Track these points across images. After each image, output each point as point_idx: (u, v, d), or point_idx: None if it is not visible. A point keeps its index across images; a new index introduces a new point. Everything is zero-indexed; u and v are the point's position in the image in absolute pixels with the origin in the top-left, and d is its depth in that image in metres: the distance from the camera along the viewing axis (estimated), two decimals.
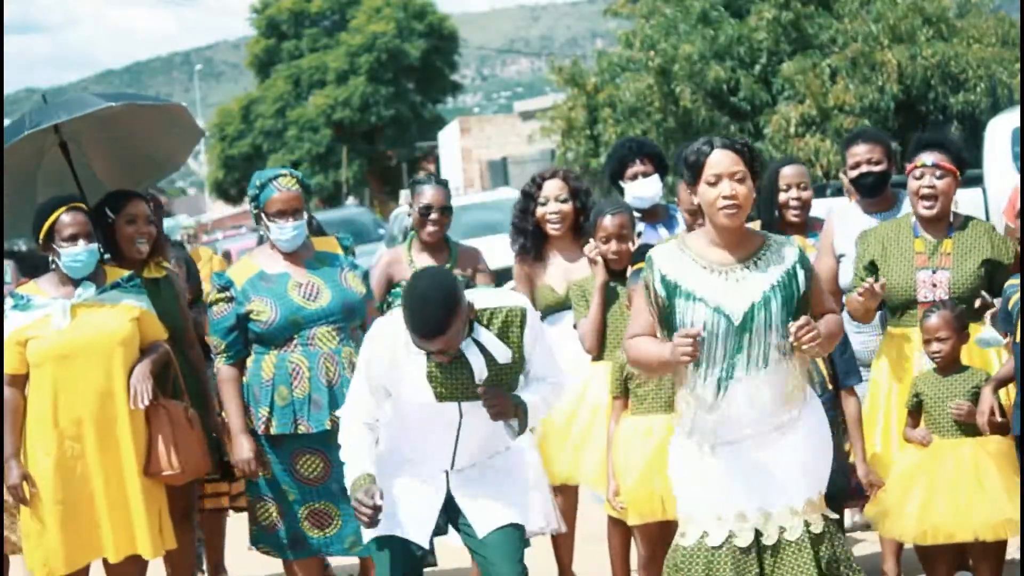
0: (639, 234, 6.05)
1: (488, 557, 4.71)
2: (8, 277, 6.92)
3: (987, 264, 5.60)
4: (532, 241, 6.38)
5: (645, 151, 6.72)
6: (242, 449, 5.54)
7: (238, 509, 6.70)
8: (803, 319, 4.27)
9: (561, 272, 6.33)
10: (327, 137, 47.92)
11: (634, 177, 6.61)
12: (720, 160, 4.32)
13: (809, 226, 6.34)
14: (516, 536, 4.75)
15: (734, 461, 4.38)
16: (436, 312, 4.43)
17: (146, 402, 5.46)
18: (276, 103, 49.39)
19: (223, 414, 6.29)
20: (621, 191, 6.70)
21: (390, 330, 4.67)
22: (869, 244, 5.76)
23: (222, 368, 5.60)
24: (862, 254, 5.77)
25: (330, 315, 5.50)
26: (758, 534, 4.37)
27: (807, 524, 4.37)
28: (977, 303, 5.57)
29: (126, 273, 5.70)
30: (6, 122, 6.19)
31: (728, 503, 4.37)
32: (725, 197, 4.31)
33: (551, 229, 6.37)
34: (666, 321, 4.40)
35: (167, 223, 6.84)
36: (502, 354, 4.63)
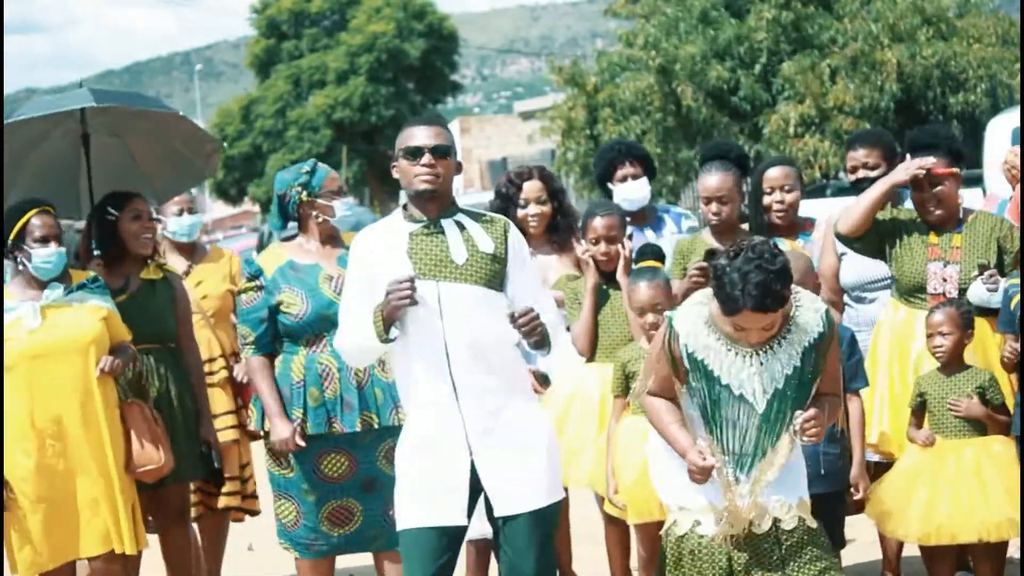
0: (630, 236, 6.04)
1: (506, 545, 4.57)
2: (8, 277, 6.90)
3: (996, 252, 5.65)
4: None
5: (634, 154, 6.70)
6: (278, 430, 5.39)
7: (238, 512, 6.68)
8: (811, 412, 4.31)
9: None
10: (327, 137, 47.92)
11: (623, 179, 6.59)
12: (750, 319, 4.25)
13: (799, 227, 6.31)
14: (540, 523, 4.56)
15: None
16: (431, 112, 4.59)
17: (109, 367, 5.47)
18: (276, 103, 49.38)
19: (245, 410, 6.30)
20: (609, 193, 6.68)
21: (374, 227, 4.78)
22: (890, 215, 5.83)
23: (251, 359, 5.48)
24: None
25: None
26: (777, 521, 4.41)
27: (802, 520, 4.41)
28: (974, 273, 5.60)
29: (91, 275, 5.72)
30: (6, 122, 6.22)
31: (720, 497, 4.42)
32: (753, 343, 4.33)
33: (531, 229, 6.37)
34: (690, 389, 4.43)
35: None
36: (484, 242, 4.61)
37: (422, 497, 4.58)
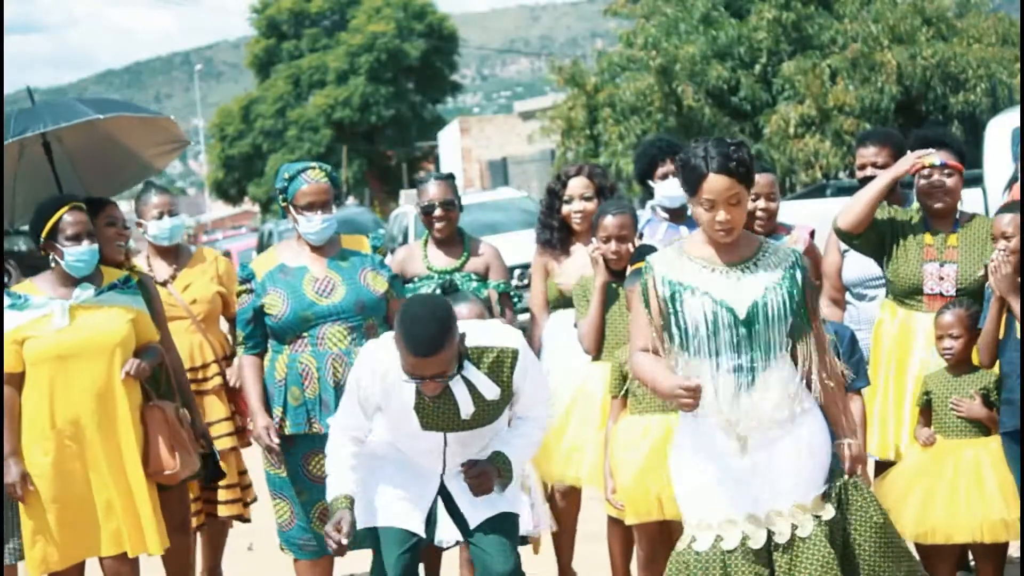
0: (640, 235, 6.04)
1: (482, 547, 4.72)
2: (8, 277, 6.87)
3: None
4: (558, 236, 6.43)
5: (675, 151, 6.69)
6: (257, 425, 5.58)
7: (240, 518, 6.63)
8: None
9: (580, 266, 6.36)
10: (327, 137, 47.98)
11: (664, 176, 6.59)
12: (715, 186, 4.31)
13: (774, 232, 6.28)
14: (509, 525, 4.77)
15: (740, 463, 4.39)
16: (431, 330, 4.37)
17: (135, 371, 5.49)
18: (276, 103, 49.45)
19: (240, 416, 6.31)
20: (650, 191, 6.68)
21: (380, 357, 4.64)
22: (888, 214, 5.83)
23: (242, 357, 5.66)
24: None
25: (341, 312, 5.48)
26: (771, 534, 4.38)
27: (816, 517, 4.38)
28: (979, 273, 5.60)
29: (123, 274, 5.71)
30: None
31: (737, 506, 4.38)
32: (719, 222, 4.34)
33: (576, 225, 6.41)
34: (668, 323, 4.41)
35: None
36: (490, 391, 4.61)
37: (387, 501, 4.76)
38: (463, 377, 4.56)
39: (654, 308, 4.45)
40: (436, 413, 4.62)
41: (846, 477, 4.46)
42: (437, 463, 4.77)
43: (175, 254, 6.67)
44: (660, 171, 6.59)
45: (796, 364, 4.43)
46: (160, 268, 6.60)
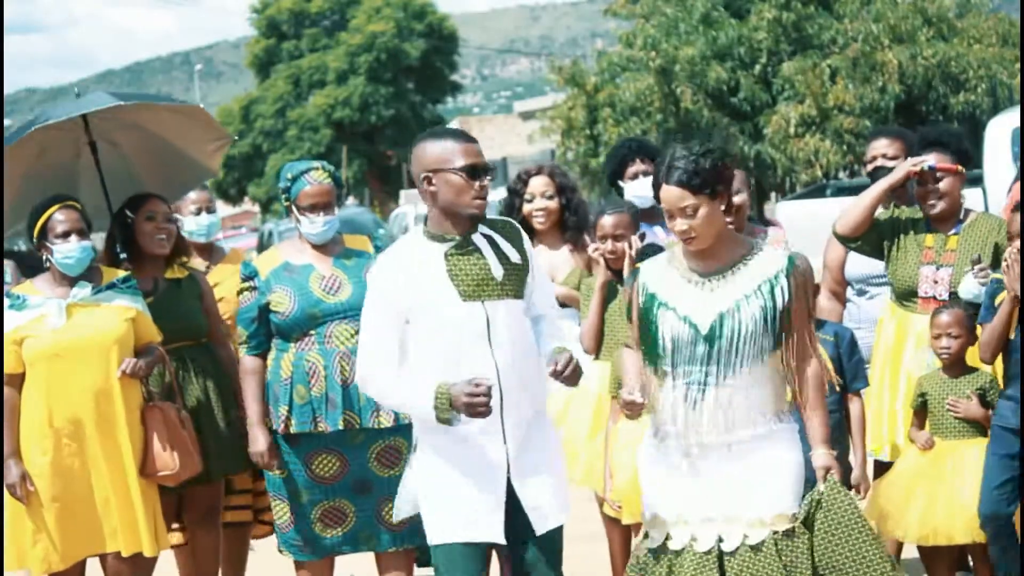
0: (642, 235, 6.04)
1: (535, 560, 4.59)
2: (8, 277, 6.89)
3: (993, 253, 5.64)
4: None
5: (645, 151, 6.69)
6: (256, 441, 5.49)
7: (263, 523, 6.52)
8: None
9: (544, 266, 6.34)
10: (327, 137, 47.99)
11: (634, 176, 6.59)
12: (667, 196, 4.32)
13: (747, 232, 6.26)
14: (560, 539, 4.64)
15: (701, 468, 4.36)
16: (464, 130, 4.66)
17: (131, 370, 5.46)
18: (276, 103, 49.46)
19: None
20: (620, 191, 6.68)
21: (397, 252, 4.61)
22: (891, 215, 5.85)
23: (244, 359, 5.56)
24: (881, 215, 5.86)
25: (349, 310, 5.46)
26: (720, 539, 4.33)
27: (774, 532, 4.30)
28: (967, 268, 5.60)
29: (122, 274, 5.71)
30: (7, 122, 6.15)
31: (693, 507, 4.36)
32: (677, 232, 4.34)
33: (536, 224, 6.39)
34: (643, 330, 4.42)
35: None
36: (512, 252, 4.58)
37: (461, 513, 4.54)
38: (484, 235, 4.55)
39: (634, 314, 4.46)
40: (470, 276, 4.50)
41: (818, 490, 4.36)
42: (489, 365, 4.48)
43: (209, 251, 6.69)
44: (630, 171, 6.60)
45: (780, 371, 4.38)
46: (194, 264, 6.55)
